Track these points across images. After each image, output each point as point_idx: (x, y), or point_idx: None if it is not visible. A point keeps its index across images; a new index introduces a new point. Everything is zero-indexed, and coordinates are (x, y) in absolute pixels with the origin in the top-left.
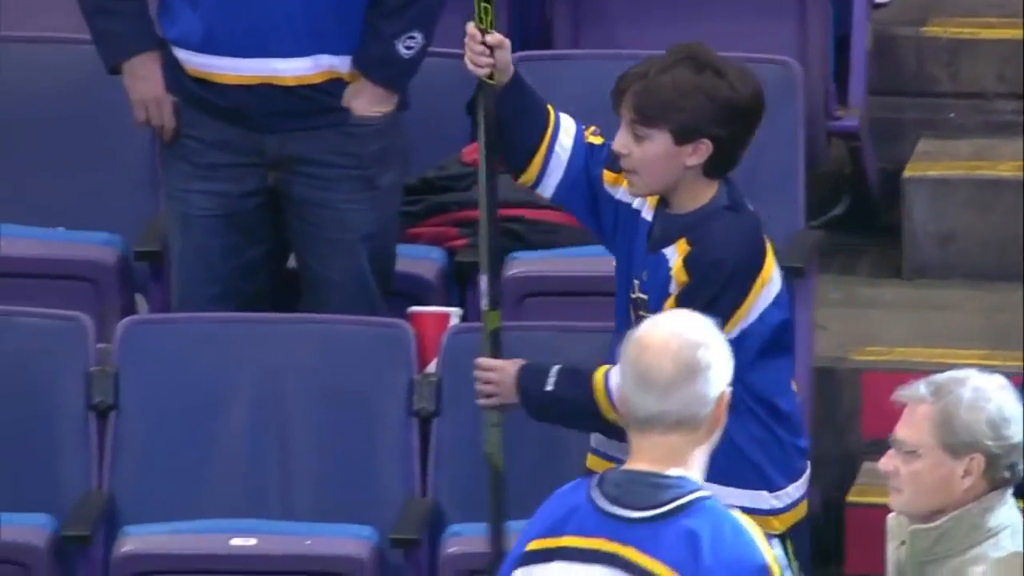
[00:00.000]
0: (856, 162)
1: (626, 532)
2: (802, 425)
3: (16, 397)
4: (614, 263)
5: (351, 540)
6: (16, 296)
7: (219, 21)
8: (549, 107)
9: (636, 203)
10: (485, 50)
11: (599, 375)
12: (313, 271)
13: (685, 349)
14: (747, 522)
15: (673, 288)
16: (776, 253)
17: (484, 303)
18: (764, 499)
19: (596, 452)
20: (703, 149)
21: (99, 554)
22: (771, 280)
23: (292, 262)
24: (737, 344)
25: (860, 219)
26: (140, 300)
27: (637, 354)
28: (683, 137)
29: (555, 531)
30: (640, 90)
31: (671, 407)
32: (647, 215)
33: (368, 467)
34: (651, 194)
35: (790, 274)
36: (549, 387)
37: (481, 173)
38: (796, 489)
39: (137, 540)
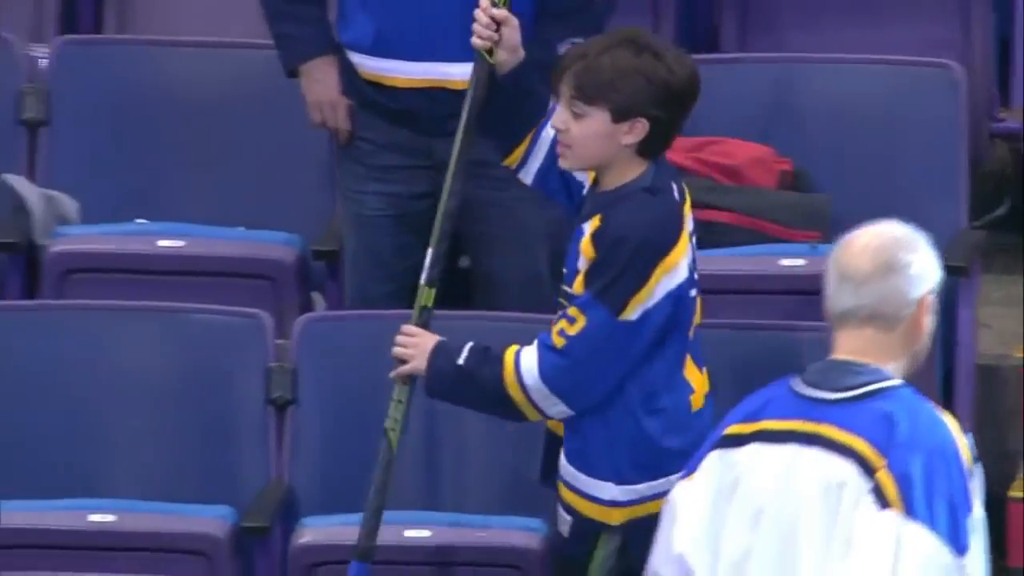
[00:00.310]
0: (1018, 163)
1: (824, 412)
2: (684, 424)
3: (198, 392)
4: None
5: (521, 532)
6: (199, 294)
7: (390, 25)
8: (552, 100)
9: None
10: (491, 23)
11: (510, 352)
12: (488, 270)
13: (885, 248)
14: (942, 411)
15: (582, 264)
16: (939, 252)
17: (423, 277)
18: (607, 489)
19: None
20: (639, 128)
21: (277, 545)
22: (677, 267)
23: (464, 261)
24: (637, 328)
25: (1022, 219)
26: (317, 298)
27: (840, 252)
28: (620, 116)
29: (752, 417)
30: (580, 69)
31: (865, 301)
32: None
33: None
34: (583, 169)
35: (953, 273)
36: (460, 361)
37: (456, 145)
38: (649, 488)
39: (314, 531)
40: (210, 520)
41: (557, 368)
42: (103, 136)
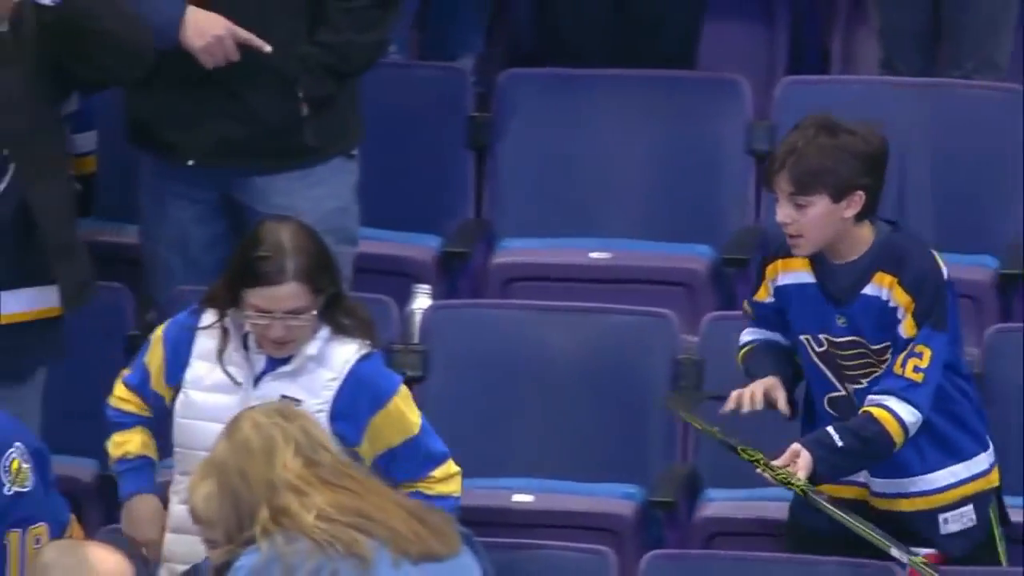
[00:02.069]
0: None
1: None
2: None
3: (614, 382)
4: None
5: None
6: (617, 298)
7: None
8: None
9: (781, 280)
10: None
11: (883, 413)
12: None
13: None
14: None
15: (901, 314)
16: None
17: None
18: (981, 460)
19: None
20: (857, 200)
21: (682, 518)
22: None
23: None
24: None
25: None
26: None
27: None
28: (839, 195)
29: None
30: (793, 165)
31: None
32: (805, 279)
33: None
34: (816, 250)
35: None
36: (840, 444)
37: None
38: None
39: (716, 506)
40: (616, 501)
41: (927, 397)
42: None
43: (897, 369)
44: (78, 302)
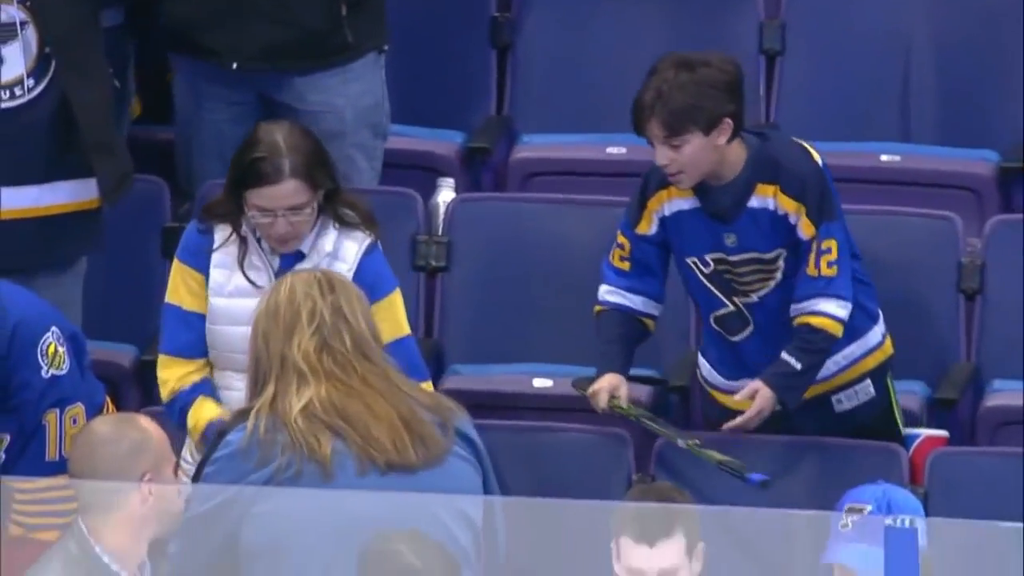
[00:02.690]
0: None
1: None
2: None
3: (898, 281)
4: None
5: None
6: (898, 201)
7: None
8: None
9: (666, 210)
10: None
11: (822, 320)
12: None
13: None
14: None
15: (793, 219)
16: None
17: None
18: (875, 332)
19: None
20: (726, 127)
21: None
22: None
23: None
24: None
25: None
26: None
27: None
28: (710, 127)
29: None
30: (660, 110)
31: None
32: (688, 205)
33: None
34: (698, 180)
35: None
36: (798, 367)
37: None
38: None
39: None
40: (635, 387)
41: (848, 283)
42: None
43: (812, 271)
44: (116, 196)
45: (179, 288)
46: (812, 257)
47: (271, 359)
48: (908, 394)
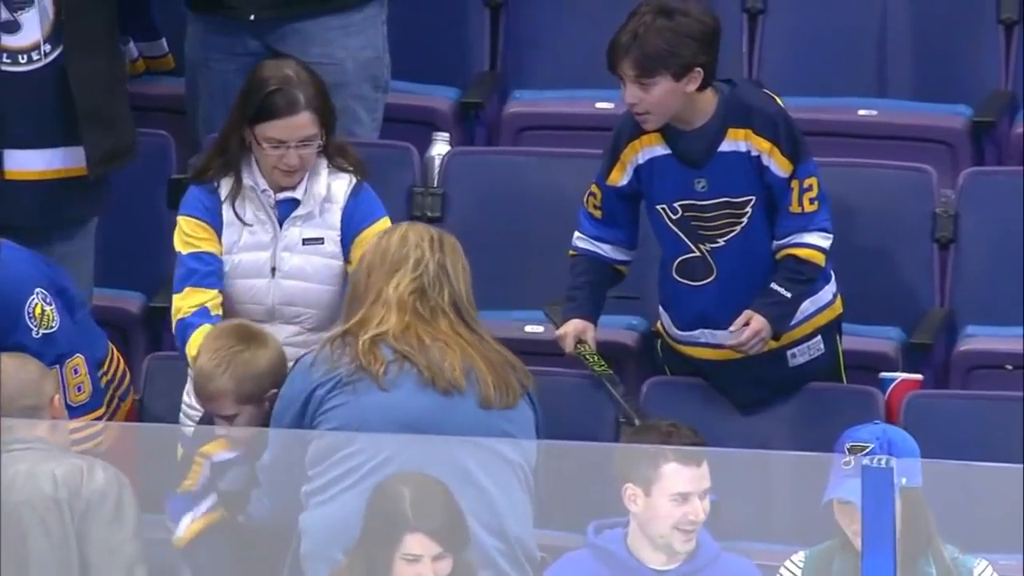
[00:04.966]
0: None
1: None
2: None
3: (875, 231)
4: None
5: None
6: (875, 154)
7: None
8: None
9: (641, 158)
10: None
11: (808, 251)
12: None
13: None
14: None
15: (766, 159)
16: None
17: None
18: (828, 290)
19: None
20: (696, 76)
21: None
22: None
23: None
24: None
25: None
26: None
27: None
28: (680, 74)
29: None
30: (635, 51)
31: None
32: (660, 152)
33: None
34: (664, 122)
35: None
36: (788, 295)
37: None
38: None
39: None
40: (622, 331)
41: (828, 215)
42: None
43: (795, 208)
44: (102, 168)
45: (187, 236)
46: (795, 195)
47: (368, 290)
48: (884, 339)
